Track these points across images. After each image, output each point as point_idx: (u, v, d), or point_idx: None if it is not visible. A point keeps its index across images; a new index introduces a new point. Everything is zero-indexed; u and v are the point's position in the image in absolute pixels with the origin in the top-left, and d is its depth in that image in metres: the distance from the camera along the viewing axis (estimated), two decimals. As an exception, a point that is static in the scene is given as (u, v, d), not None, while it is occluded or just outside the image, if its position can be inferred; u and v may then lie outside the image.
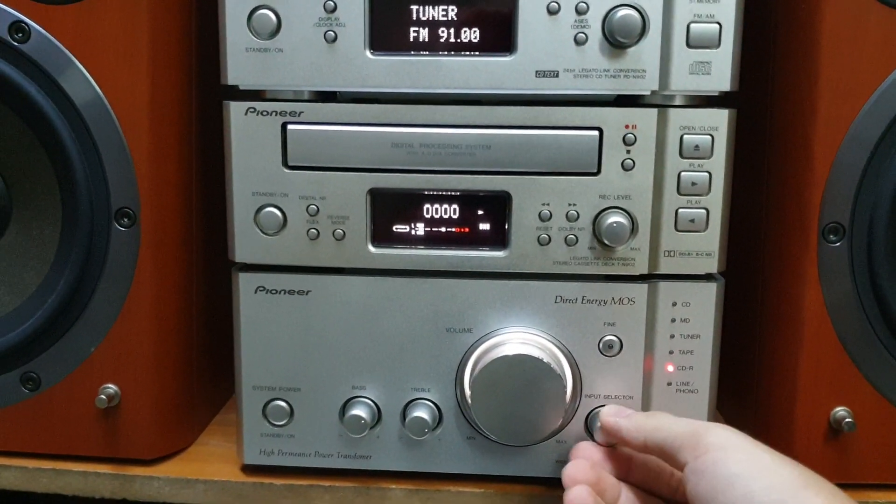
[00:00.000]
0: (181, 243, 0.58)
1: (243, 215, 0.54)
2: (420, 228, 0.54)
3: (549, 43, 0.51)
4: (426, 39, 0.52)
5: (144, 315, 0.56)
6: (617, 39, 0.50)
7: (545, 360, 0.51)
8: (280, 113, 0.53)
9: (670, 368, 0.54)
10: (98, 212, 0.55)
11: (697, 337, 0.54)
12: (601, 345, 0.54)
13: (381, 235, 0.54)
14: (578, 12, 0.51)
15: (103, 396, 0.56)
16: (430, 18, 0.52)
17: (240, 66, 0.52)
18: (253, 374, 0.56)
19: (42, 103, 0.54)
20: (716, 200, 0.53)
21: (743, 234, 0.60)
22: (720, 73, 0.51)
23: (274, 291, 0.55)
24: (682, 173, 0.52)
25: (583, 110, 0.52)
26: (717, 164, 0.52)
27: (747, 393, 0.61)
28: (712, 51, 0.51)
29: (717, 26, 0.51)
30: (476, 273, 0.54)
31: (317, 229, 0.54)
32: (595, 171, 0.52)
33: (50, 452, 0.58)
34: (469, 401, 0.53)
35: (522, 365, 0.52)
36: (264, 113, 0.53)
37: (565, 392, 0.52)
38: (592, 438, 0.54)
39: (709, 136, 0.52)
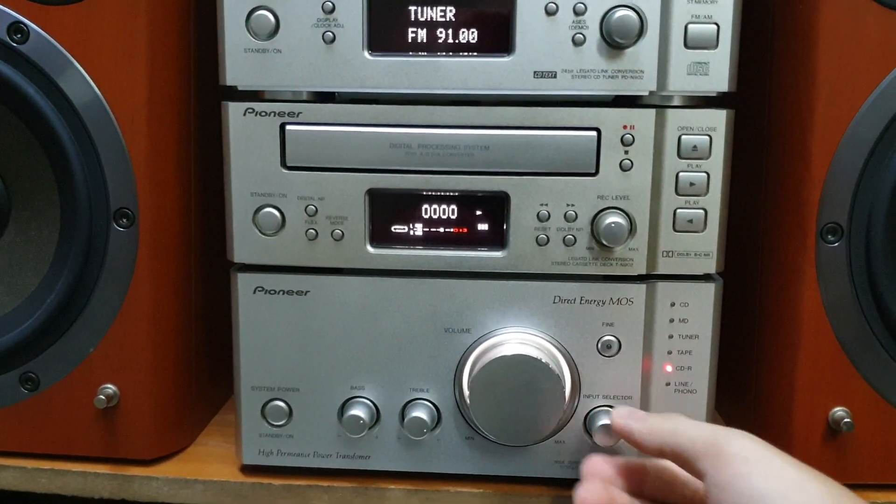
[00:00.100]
0: (180, 244, 0.58)
1: (242, 216, 0.54)
2: (418, 229, 0.54)
3: (547, 43, 0.51)
4: (424, 40, 0.52)
5: (143, 315, 0.56)
6: (615, 40, 0.50)
7: (543, 361, 0.51)
8: (278, 113, 0.53)
9: (669, 369, 0.54)
10: (97, 212, 0.55)
11: (696, 337, 0.54)
12: (599, 345, 0.54)
13: (380, 236, 0.54)
14: (576, 13, 0.51)
15: (102, 397, 0.56)
16: (429, 19, 0.52)
17: (238, 67, 0.53)
18: (252, 374, 0.56)
19: (41, 104, 0.54)
20: (714, 201, 0.53)
21: (741, 235, 0.60)
22: (718, 73, 0.51)
23: (273, 292, 0.55)
24: (681, 174, 0.52)
25: (581, 111, 0.52)
26: (716, 165, 0.52)
27: (746, 393, 0.61)
28: (710, 51, 0.51)
29: (714, 27, 0.51)
30: (474, 273, 0.54)
31: (315, 230, 0.54)
32: (593, 171, 0.52)
33: (49, 452, 0.58)
34: (468, 401, 0.53)
35: (521, 365, 0.52)
36: (263, 113, 0.53)
37: (564, 392, 0.52)
38: (591, 439, 0.54)
39: (707, 137, 0.52)
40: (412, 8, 0.52)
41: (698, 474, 0.44)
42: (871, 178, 0.53)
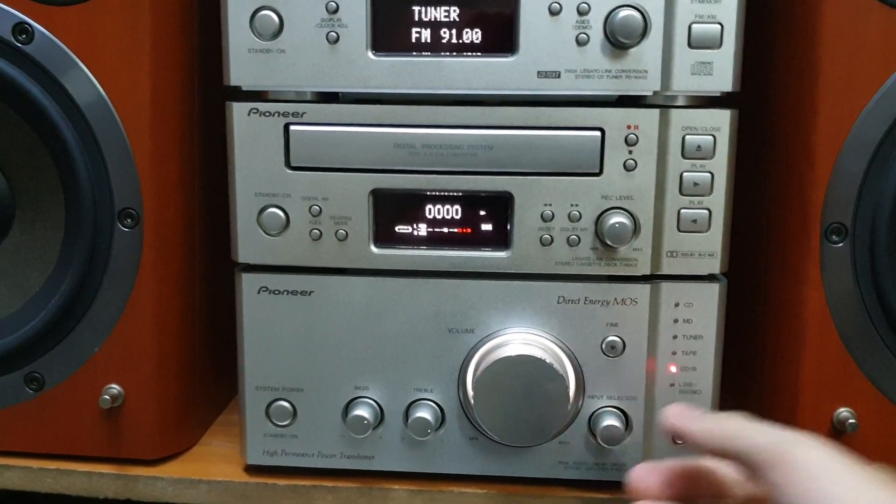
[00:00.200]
0: (184, 244, 0.58)
1: (246, 216, 0.54)
2: (422, 229, 0.54)
3: (550, 43, 0.51)
4: (428, 40, 0.52)
5: (147, 315, 0.56)
6: (618, 40, 0.50)
7: (548, 361, 0.51)
8: (282, 114, 0.53)
9: (673, 369, 0.54)
10: (101, 213, 0.55)
11: (700, 337, 0.54)
12: (604, 345, 0.54)
13: (384, 236, 0.54)
14: (580, 13, 0.51)
15: (107, 397, 0.56)
16: (432, 19, 0.52)
17: (242, 67, 0.53)
18: (256, 374, 0.56)
19: (45, 104, 0.54)
20: (718, 201, 0.53)
21: (745, 235, 0.60)
22: (722, 73, 0.51)
23: (277, 292, 0.55)
24: (685, 174, 0.52)
25: (584, 111, 0.52)
26: (720, 165, 0.52)
27: (750, 393, 0.61)
28: (714, 51, 0.51)
29: (718, 26, 0.51)
30: (478, 273, 0.54)
31: (319, 230, 0.54)
32: (597, 171, 0.52)
33: (54, 452, 0.58)
34: (472, 401, 0.53)
35: (525, 366, 0.52)
36: (267, 114, 0.53)
37: (568, 393, 0.52)
38: (595, 439, 0.54)
39: (711, 137, 0.52)
40: (416, 8, 0.52)
41: (759, 478, 0.41)
42: (875, 178, 0.53)
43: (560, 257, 0.53)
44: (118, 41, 0.54)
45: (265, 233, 0.54)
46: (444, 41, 0.52)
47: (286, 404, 0.56)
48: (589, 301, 0.54)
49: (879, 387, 0.54)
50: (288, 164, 0.54)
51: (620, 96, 0.52)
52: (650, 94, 0.52)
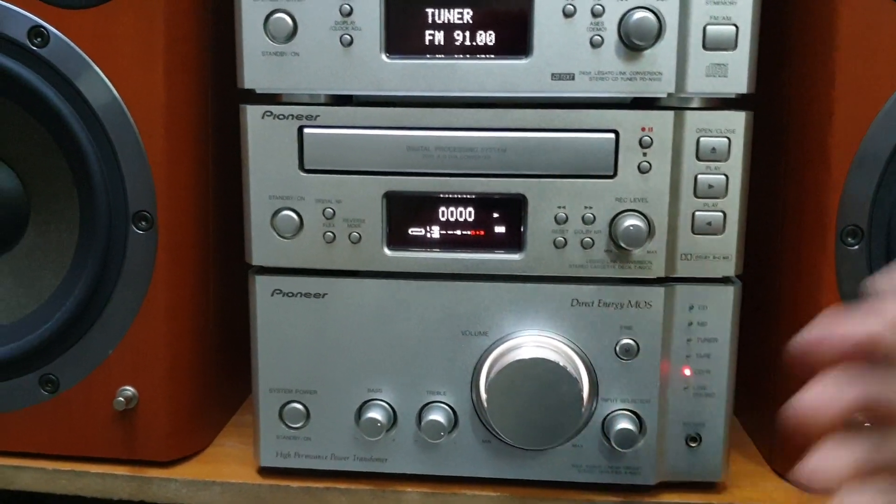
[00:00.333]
0: (198, 246, 0.58)
1: (260, 219, 0.54)
2: (435, 231, 0.54)
3: (564, 45, 0.51)
4: (441, 43, 0.52)
5: (161, 318, 0.56)
6: (633, 42, 0.50)
7: (561, 364, 0.51)
8: (296, 117, 0.53)
9: (687, 372, 0.54)
10: (116, 215, 0.55)
11: (714, 340, 0.54)
12: (618, 348, 0.54)
13: (397, 238, 0.54)
14: (594, 15, 0.50)
15: (121, 399, 0.56)
16: (446, 22, 0.52)
17: (256, 70, 0.53)
18: (269, 376, 0.56)
19: (60, 107, 0.54)
20: (733, 203, 0.52)
21: (760, 237, 0.60)
22: (737, 75, 0.51)
23: (290, 294, 0.55)
24: (699, 176, 0.52)
25: (598, 113, 0.52)
26: (734, 167, 0.52)
27: (765, 397, 0.60)
28: (729, 53, 0.51)
29: (733, 28, 0.50)
30: (491, 276, 0.54)
31: (333, 232, 0.54)
32: (611, 173, 0.52)
33: (68, 454, 0.59)
34: (485, 404, 0.53)
35: (538, 368, 0.51)
36: (281, 117, 0.53)
37: (581, 396, 0.52)
38: (609, 442, 0.54)
39: (725, 139, 0.52)
40: (429, 10, 0.52)
41: None
42: (891, 181, 0.52)
43: (574, 260, 0.53)
44: (132, 44, 0.54)
45: (279, 235, 0.54)
46: (457, 44, 0.52)
47: (299, 406, 0.56)
48: (603, 304, 0.54)
49: (895, 390, 0.54)
50: (302, 167, 0.54)
51: (635, 98, 0.52)
52: (665, 96, 0.51)
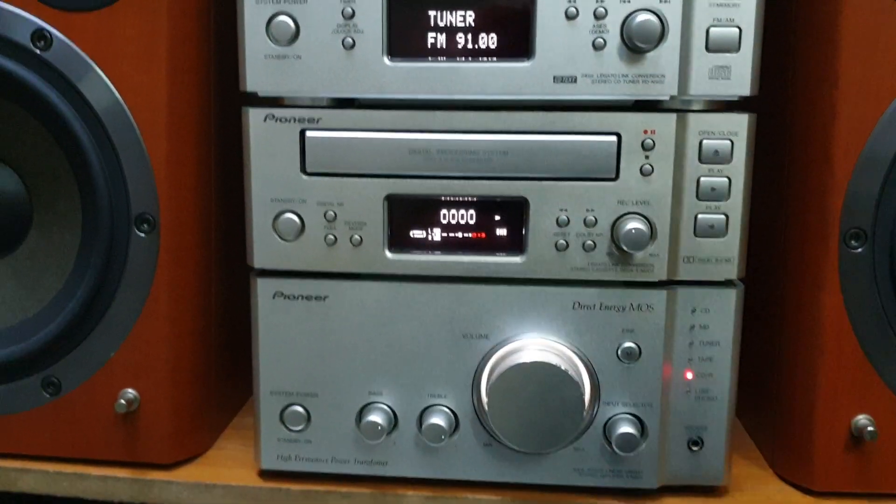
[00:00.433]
0: (200, 249, 0.58)
1: (262, 221, 0.54)
2: (437, 234, 0.54)
3: (567, 48, 0.51)
4: (444, 45, 0.52)
5: (163, 320, 0.56)
6: (636, 44, 0.50)
7: (563, 368, 0.51)
8: (298, 119, 0.53)
9: (689, 376, 0.54)
10: (118, 217, 0.55)
11: (717, 344, 0.54)
12: (619, 352, 0.54)
13: (398, 241, 0.54)
14: (597, 17, 0.50)
15: (123, 401, 0.56)
16: (448, 24, 0.52)
17: (258, 73, 0.53)
18: (270, 379, 0.56)
19: (63, 109, 0.54)
20: (735, 206, 0.52)
21: (763, 240, 0.60)
22: (740, 77, 0.51)
23: (292, 297, 0.55)
24: (702, 179, 0.52)
25: (601, 115, 0.52)
26: (737, 170, 0.52)
27: (768, 400, 0.60)
28: (732, 55, 0.51)
29: (736, 30, 0.50)
30: (493, 279, 0.54)
31: (334, 235, 0.54)
32: (613, 176, 0.52)
33: (70, 456, 0.59)
34: (486, 407, 0.53)
35: (540, 372, 0.51)
36: (283, 119, 0.53)
37: (583, 400, 0.52)
38: (611, 446, 0.54)
39: (728, 141, 0.52)
40: (431, 13, 0.52)
41: None
42: (895, 183, 0.52)
43: (575, 263, 0.53)
44: (135, 46, 0.54)
45: (280, 238, 0.54)
46: (459, 46, 0.52)
47: (300, 409, 0.56)
48: (604, 307, 0.54)
49: (899, 394, 0.54)
50: (303, 170, 0.54)
51: (637, 100, 0.52)
52: (667, 98, 0.51)
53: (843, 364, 0.54)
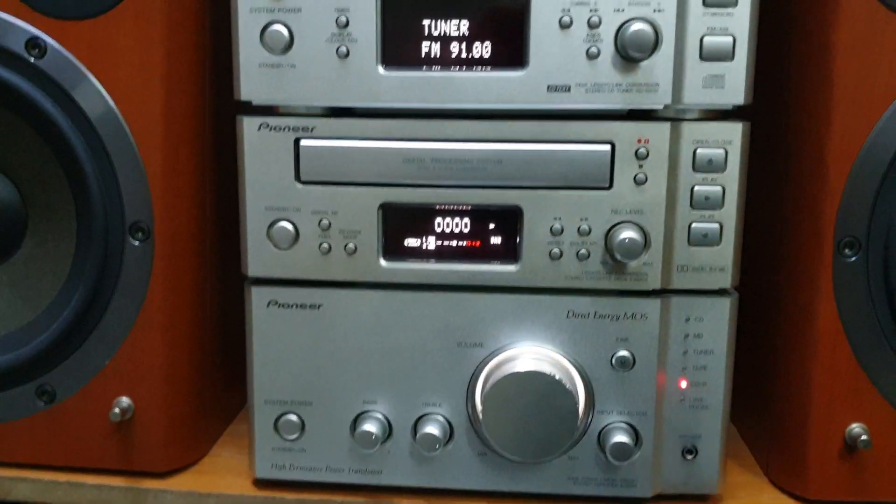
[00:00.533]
0: (195, 257, 0.58)
1: (256, 230, 0.54)
2: (431, 242, 0.54)
3: (560, 57, 0.51)
4: (438, 55, 0.52)
5: (158, 328, 0.56)
6: (629, 53, 0.50)
7: (557, 377, 0.51)
8: (293, 128, 0.53)
9: (683, 385, 0.54)
10: (112, 226, 0.55)
11: (711, 353, 0.54)
12: (614, 360, 0.54)
13: (393, 249, 0.54)
14: (591, 26, 0.50)
15: (117, 410, 0.56)
16: (442, 34, 0.52)
17: (253, 82, 0.53)
18: (265, 387, 0.56)
19: (57, 118, 0.54)
20: (729, 215, 0.52)
21: (758, 248, 0.60)
22: (734, 86, 0.51)
23: (286, 305, 0.55)
24: (696, 187, 0.52)
25: (595, 124, 0.52)
26: (731, 179, 0.52)
27: (763, 408, 0.60)
28: (726, 64, 0.51)
29: (730, 39, 0.50)
30: (487, 287, 0.54)
31: (329, 243, 0.54)
32: (607, 185, 0.52)
33: (64, 465, 0.59)
34: (480, 416, 0.53)
35: (534, 382, 0.51)
36: (277, 128, 0.53)
37: (577, 409, 0.52)
38: (605, 455, 0.54)
39: (722, 150, 0.52)
40: (426, 22, 0.52)
41: None
42: (889, 192, 0.52)
43: (569, 271, 0.53)
44: (130, 55, 0.54)
45: (275, 246, 0.54)
46: (454, 55, 0.52)
47: (295, 418, 0.56)
48: (599, 316, 0.54)
49: (893, 402, 0.54)
50: (298, 179, 0.54)
51: (631, 109, 0.52)
52: (661, 107, 0.51)
53: (837, 372, 0.54)
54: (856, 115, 0.52)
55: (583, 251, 0.53)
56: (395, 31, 0.52)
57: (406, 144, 0.53)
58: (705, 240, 0.52)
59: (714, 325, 0.53)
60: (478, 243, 0.54)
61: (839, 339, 0.53)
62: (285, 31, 0.52)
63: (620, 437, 0.53)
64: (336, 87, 0.52)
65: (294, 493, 0.57)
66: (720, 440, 0.55)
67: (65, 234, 0.58)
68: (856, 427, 0.54)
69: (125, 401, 0.57)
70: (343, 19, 0.51)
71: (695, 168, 0.52)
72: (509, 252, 0.54)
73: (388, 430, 0.55)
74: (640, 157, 0.52)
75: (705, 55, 0.51)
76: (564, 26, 0.50)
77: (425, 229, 0.54)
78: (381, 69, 0.52)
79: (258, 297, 0.55)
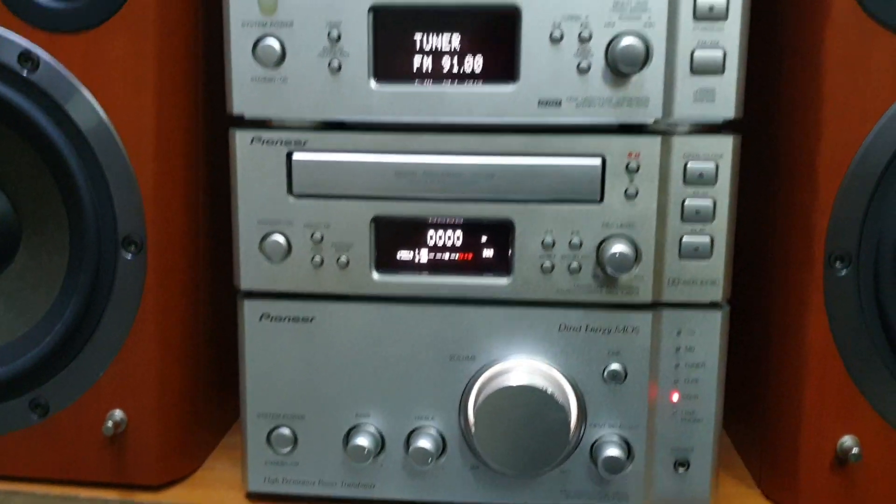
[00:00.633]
0: (188, 270, 0.58)
1: (249, 243, 0.54)
2: (424, 256, 0.54)
3: (551, 71, 0.51)
4: (429, 69, 0.52)
5: (150, 341, 0.56)
6: (620, 68, 0.50)
7: (549, 392, 0.51)
8: (285, 142, 0.53)
9: (675, 397, 0.54)
10: (105, 239, 0.55)
11: (702, 366, 0.54)
12: (605, 374, 0.54)
13: (385, 263, 0.54)
14: (581, 41, 0.51)
15: (110, 423, 0.56)
16: (433, 48, 0.52)
17: (245, 95, 0.53)
18: (258, 401, 0.56)
19: (50, 131, 0.54)
20: (720, 228, 0.52)
21: (749, 261, 0.60)
22: (724, 100, 0.51)
23: (278, 319, 0.55)
24: (686, 201, 0.52)
25: (585, 138, 0.52)
26: (722, 192, 0.52)
27: (753, 421, 0.60)
28: (716, 77, 0.51)
29: (721, 53, 0.50)
30: (479, 300, 0.54)
31: (321, 257, 0.54)
32: (598, 199, 0.52)
33: (58, 478, 0.59)
34: (472, 430, 0.53)
35: (526, 396, 0.51)
36: (269, 142, 0.53)
37: (569, 423, 0.52)
38: (597, 468, 0.54)
39: (713, 164, 0.52)
40: (417, 37, 0.52)
41: None
42: (879, 205, 0.52)
43: (561, 285, 0.53)
44: (122, 68, 0.54)
45: (267, 260, 0.54)
46: (445, 70, 0.52)
47: (287, 431, 0.56)
48: (590, 329, 0.54)
49: (884, 415, 0.54)
50: (290, 192, 0.54)
51: (622, 123, 0.52)
52: (651, 121, 0.51)
53: (828, 385, 0.54)
54: (846, 128, 0.52)
55: (574, 264, 0.53)
56: (386, 46, 0.52)
57: (398, 158, 0.53)
58: (696, 253, 0.52)
59: (705, 338, 0.54)
60: (470, 256, 0.54)
61: (830, 352, 0.54)
62: (277, 45, 0.52)
63: (612, 451, 0.53)
64: (328, 100, 0.52)
65: (287, 507, 0.57)
66: (712, 453, 0.55)
67: (58, 246, 0.58)
68: (847, 440, 0.54)
69: (118, 414, 0.57)
70: (335, 33, 0.52)
71: (685, 182, 0.52)
72: (501, 265, 0.54)
73: (381, 443, 0.55)
74: (630, 171, 0.52)
75: (696, 69, 0.51)
76: (555, 41, 0.51)
77: (417, 242, 0.54)
78: (372, 83, 0.52)
79: (251, 311, 0.55)
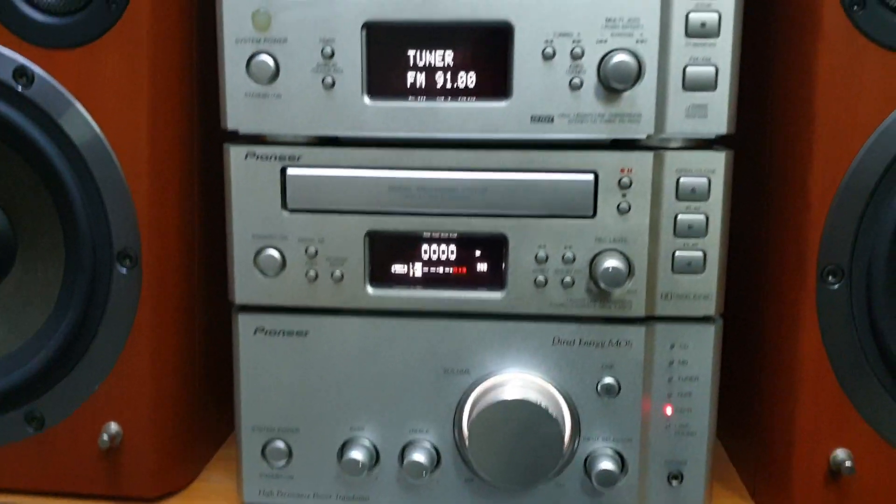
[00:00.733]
0: (182, 284, 0.58)
1: (243, 257, 0.55)
2: (418, 270, 0.55)
3: (544, 88, 0.51)
4: (423, 85, 0.52)
5: (146, 355, 0.57)
6: (612, 84, 0.50)
7: (543, 405, 0.51)
8: (279, 157, 0.53)
9: (669, 411, 0.54)
10: (100, 253, 0.56)
11: (696, 379, 0.54)
12: (599, 387, 0.54)
13: (379, 277, 0.55)
14: (573, 57, 0.51)
15: (105, 436, 0.56)
16: (427, 64, 0.52)
17: (239, 111, 0.53)
18: (252, 414, 0.56)
19: (44, 146, 0.54)
20: (713, 243, 0.52)
21: (742, 275, 0.60)
22: (717, 115, 0.51)
23: (273, 332, 0.55)
24: (679, 216, 0.52)
25: (578, 154, 0.52)
26: (714, 207, 0.52)
27: (746, 434, 0.61)
28: (709, 93, 0.51)
29: (713, 69, 0.51)
30: (473, 314, 0.55)
31: (315, 271, 0.54)
32: (591, 214, 0.52)
33: (54, 490, 0.59)
34: (467, 443, 0.53)
35: (520, 410, 0.52)
36: (264, 157, 0.54)
37: (563, 437, 0.52)
38: (591, 481, 0.54)
39: (705, 179, 0.52)
40: (410, 53, 0.52)
41: None
42: (871, 220, 0.52)
43: (554, 299, 0.53)
44: (117, 83, 0.54)
45: (262, 274, 0.55)
46: (438, 86, 0.52)
47: (282, 445, 0.56)
48: (584, 343, 0.54)
49: (877, 428, 0.54)
50: (285, 207, 0.54)
51: (614, 139, 0.52)
52: (644, 137, 0.52)
53: (821, 399, 0.54)
54: (838, 143, 0.52)
55: (567, 279, 0.53)
56: (380, 62, 0.52)
57: (392, 173, 0.53)
58: (689, 268, 0.53)
59: (699, 351, 0.54)
60: (464, 271, 0.54)
61: (823, 366, 0.54)
62: (271, 62, 0.52)
63: (606, 464, 0.53)
64: (322, 116, 0.53)
65: (282, 520, 0.57)
66: (706, 466, 0.55)
67: (53, 261, 0.58)
68: (840, 453, 0.54)
69: (114, 426, 0.57)
70: (328, 50, 0.52)
71: (678, 197, 0.52)
72: (495, 279, 0.54)
73: (375, 456, 0.56)
74: (623, 187, 0.52)
75: (688, 85, 0.51)
76: (548, 57, 0.51)
77: (411, 257, 0.54)
78: (366, 99, 0.52)
79: (245, 325, 0.56)
